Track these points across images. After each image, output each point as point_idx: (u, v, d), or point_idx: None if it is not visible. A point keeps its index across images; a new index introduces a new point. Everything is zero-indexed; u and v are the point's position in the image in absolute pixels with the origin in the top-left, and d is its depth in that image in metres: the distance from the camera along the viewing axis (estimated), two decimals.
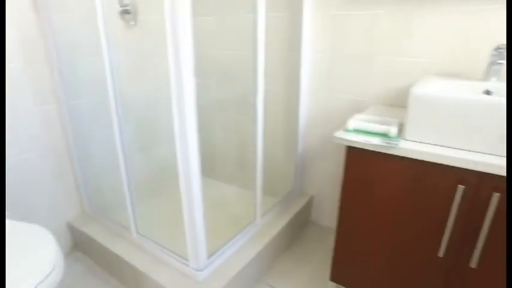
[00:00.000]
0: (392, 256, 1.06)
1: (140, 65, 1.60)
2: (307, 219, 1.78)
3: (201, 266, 1.16)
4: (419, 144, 0.91)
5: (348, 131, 1.02)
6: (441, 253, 0.95)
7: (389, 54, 1.30)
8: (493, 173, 0.80)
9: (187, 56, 0.88)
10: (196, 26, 1.80)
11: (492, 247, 0.87)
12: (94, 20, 1.09)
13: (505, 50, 0.99)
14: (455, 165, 0.85)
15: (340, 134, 1.00)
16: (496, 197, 0.81)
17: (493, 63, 1.02)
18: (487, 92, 1.02)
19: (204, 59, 1.78)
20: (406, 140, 0.94)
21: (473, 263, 0.90)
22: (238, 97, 1.74)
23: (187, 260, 1.18)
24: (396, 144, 0.91)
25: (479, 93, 1.02)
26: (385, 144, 0.92)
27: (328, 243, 1.63)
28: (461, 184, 0.86)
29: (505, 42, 1.07)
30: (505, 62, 1.00)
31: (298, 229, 1.68)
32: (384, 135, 0.96)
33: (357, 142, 0.97)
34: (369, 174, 1.01)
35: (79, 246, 1.57)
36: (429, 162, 0.89)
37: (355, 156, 1.01)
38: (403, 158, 0.93)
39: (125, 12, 1.47)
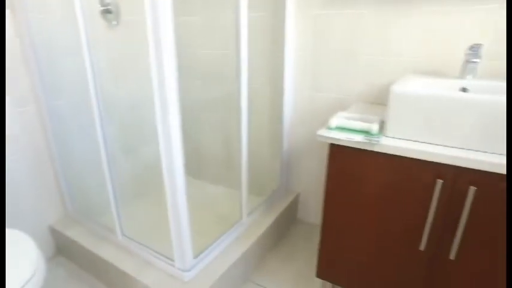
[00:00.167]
0: (376, 251, 1.08)
1: (124, 65, 1.58)
2: (294, 217, 1.80)
3: (188, 267, 1.16)
4: (399, 141, 0.93)
5: (330, 128, 1.03)
6: (422, 246, 0.97)
7: (370, 53, 1.32)
8: (469, 167, 0.83)
9: (169, 56, 0.88)
10: (180, 26, 1.79)
11: (469, 239, 0.90)
12: (74, 19, 1.07)
13: (479, 49, 1.03)
14: (434, 160, 0.87)
15: (323, 132, 1.01)
16: (472, 191, 0.84)
17: (468, 61, 1.05)
18: (464, 90, 1.06)
19: (188, 59, 1.77)
20: (387, 136, 0.96)
21: (452, 255, 0.93)
22: (223, 96, 1.74)
23: (173, 261, 1.17)
24: (377, 141, 0.93)
25: (455, 91, 1.05)
26: (367, 141, 0.94)
27: (315, 240, 1.65)
28: (440, 179, 0.88)
29: (478, 41, 1.11)
30: (479, 60, 1.04)
31: (284, 227, 1.69)
32: (366, 132, 0.98)
33: (339, 139, 0.99)
34: (351, 170, 1.02)
35: (62, 251, 1.53)
36: (409, 158, 0.91)
37: (338, 153, 1.03)
38: (384, 154, 0.95)
39: (106, 11, 1.45)
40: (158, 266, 1.23)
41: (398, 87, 0.93)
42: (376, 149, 0.95)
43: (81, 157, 1.48)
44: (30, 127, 1.34)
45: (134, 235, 1.33)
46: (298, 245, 1.62)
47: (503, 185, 0.81)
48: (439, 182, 0.88)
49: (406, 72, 1.27)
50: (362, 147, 0.97)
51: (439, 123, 0.89)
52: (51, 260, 1.52)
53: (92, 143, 1.25)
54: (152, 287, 1.15)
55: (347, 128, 1.03)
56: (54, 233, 1.50)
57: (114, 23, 1.49)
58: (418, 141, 0.92)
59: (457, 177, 0.87)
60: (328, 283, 1.28)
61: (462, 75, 1.08)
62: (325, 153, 1.60)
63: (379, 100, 1.36)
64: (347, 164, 1.02)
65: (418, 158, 0.89)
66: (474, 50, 1.03)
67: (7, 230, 0.98)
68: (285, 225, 1.70)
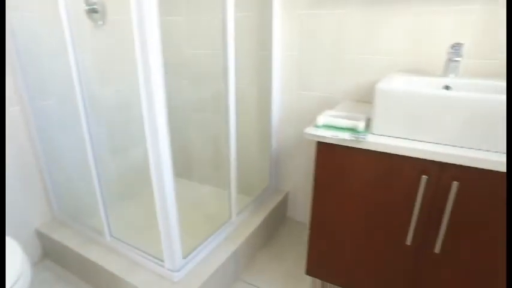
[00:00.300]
0: (364, 247, 1.10)
1: (111, 65, 1.56)
2: (283, 216, 1.81)
3: (177, 267, 1.16)
4: (385, 138, 0.95)
5: (317, 126, 1.05)
6: (409, 241, 0.99)
7: (357, 52, 1.34)
8: (452, 162, 0.85)
9: (155, 55, 0.88)
10: (167, 26, 1.79)
11: (453, 233, 0.93)
12: (58, 18, 1.06)
13: (460, 48, 1.05)
14: (419, 156, 0.89)
15: (310, 130, 1.02)
16: (455, 185, 0.86)
17: (450, 60, 1.08)
18: (446, 88, 1.08)
19: (176, 59, 1.77)
20: (373, 134, 0.98)
21: (437, 249, 0.95)
22: (211, 96, 1.74)
23: (162, 261, 1.17)
24: (364, 139, 0.95)
25: (439, 89, 1.08)
26: (353, 139, 0.96)
27: (305, 238, 1.66)
28: (425, 174, 0.90)
29: (459, 40, 1.13)
30: (460, 59, 1.07)
31: (274, 226, 1.70)
32: (352, 130, 1.00)
33: (325, 137, 1.00)
34: (338, 168, 1.04)
35: (49, 254, 1.51)
36: (395, 154, 0.93)
37: (325, 151, 1.04)
38: (370, 151, 0.96)
39: (92, 11, 1.44)
40: (147, 266, 1.22)
41: (383, 85, 0.95)
42: (362, 146, 0.96)
43: (67, 158, 1.46)
44: (14, 129, 1.32)
45: (123, 236, 1.32)
46: (288, 243, 1.63)
47: (486, 181, 0.84)
48: (424, 177, 0.90)
49: (391, 70, 1.29)
50: (348, 145, 0.98)
51: (423, 121, 0.91)
52: (38, 264, 1.49)
53: (79, 144, 1.23)
54: None
55: (334, 126, 1.04)
56: (41, 236, 1.48)
57: (100, 22, 1.48)
58: (403, 138, 0.94)
59: (441, 172, 0.89)
60: (318, 280, 1.30)
61: (445, 73, 1.10)
62: (313, 151, 1.61)
63: (366, 98, 1.38)
64: (334, 162, 1.04)
65: (403, 154, 0.91)
66: (456, 49, 1.06)
67: None
68: (275, 224, 1.71)
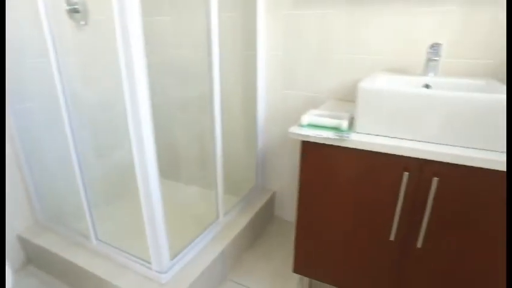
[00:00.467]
0: (350, 243, 1.12)
1: (94, 66, 1.54)
2: (271, 215, 1.82)
3: (164, 268, 1.15)
4: (368, 136, 0.97)
5: (302, 126, 1.06)
6: (392, 237, 1.02)
7: (341, 52, 1.36)
8: (432, 159, 0.88)
9: (138, 55, 0.87)
10: (152, 26, 1.77)
11: (434, 227, 0.95)
12: (38, 19, 1.04)
13: (439, 48, 1.09)
14: (400, 153, 0.91)
15: (295, 129, 1.04)
16: (435, 181, 0.89)
17: (429, 59, 1.11)
18: (426, 86, 1.11)
19: (161, 59, 1.75)
20: (357, 132, 1.00)
21: (420, 243, 0.98)
22: (197, 96, 1.73)
23: (149, 263, 1.16)
24: (347, 137, 0.97)
25: (419, 87, 1.11)
26: (337, 137, 0.97)
27: (292, 237, 1.66)
28: (406, 171, 0.93)
29: (438, 41, 1.17)
30: (438, 58, 1.10)
31: (262, 225, 1.71)
32: (336, 128, 1.01)
33: (309, 136, 1.01)
34: (323, 166, 1.05)
35: (33, 260, 1.48)
36: (378, 152, 0.95)
37: (310, 150, 1.05)
38: (354, 149, 0.98)
39: (73, 11, 1.41)
40: (135, 269, 1.21)
41: (365, 84, 0.97)
42: (346, 144, 0.98)
43: (51, 161, 1.43)
44: None
45: (109, 239, 1.30)
46: (275, 242, 1.64)
47: (464, 176, 0.86)
48: (406, 174, 0.93)
49: (375, 69, 1.31)
50: (332, 143, 1.00)
51: (404, 119, 0.93)
52: (21, 271, 1.46)
53: (62, 146, 1.21)
54: None
55: (318, 125, 1.06)
56: (23, 242, 1.44)
57: (82, 22, 1.45)
58: (385, 136, 0.96)
59: (422, 169, 0.91)
60: (306, 278, 1.31)
61: (425, 72, 1.13)
62: (299, 150, 1.63)
63: (350, 97, 1.40)
64: (319, 160, 1.05)
65: (385, 152, 0.93)
66: (434, 48, 1.09)
67: None
68: (262, 223, 1.71)
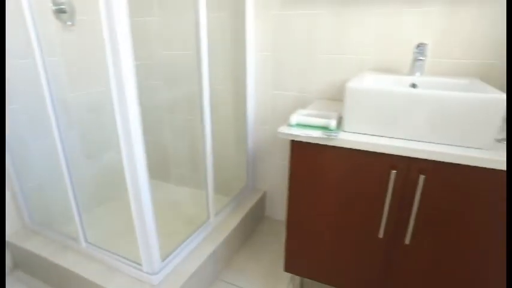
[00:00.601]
0: (339, 242, 1.13)
1: (82, 67, 1.52)
2: (262, 215, 1.83)
3: (156, 270, 1.15)
4: (356, 135, 0.98)
5: (291, 125, 1.07)
6: (381, 234, 1.03)
7: (329, 52, 1.38)
8: (419, 157, 0.90)
9: (126, 56, 0.86)
10: (141, 27, 1.76)
11: (421, 224, 0.97)
12: (22, 19, 1.02)
13: (424, 48, 1.11)
14: (388, 152, 0.93)
15: (284, 129, 1.04)
16: (422, 179, 0.91)
17: (415, 59, 1.13)
18: (413, 85, 1.13)
19: (150, 60, 1.74)
20: (345, 131, 1.01)
21: (407, 240, 0.99)
22: (187, 97, 1.73)
23: (140, 265, 1.15)
24: (336, 136, 0.98)
25: (406, 86, 1.13)
26: (326, 137, 0.98)
27: (283, 236, 1.68)
28: (394, 169, 0.94)
29: (423, 40, 1.19)
30: (424, 58, 1.12)
31: (252, 225, 1.71)
32: (325, 128, 1.03)
33: (298, 136, 1.02)
34: (312, 165, 1.06)
35: (20, 265, 1.45)
36: (366, 151, 0.96)
37: (299, 149, 1.06)
38: (342, 148, 0.99)
39: (60, 11, 1.39)
40: (125, 271, 1.20)
41: (353, 84, 0.98)
42: (334, 143, 0.99)
43: (38, 163, 1.41)
44: None
45: (99, 241, 1.29)
46: (266, 241, 1.65)
47: (449, 173, 0.88)
48: (393, 172, 0.94)
49: (362, 69, 1.33)
50: (321, 143, 1.01)
51: (392, 117, 0.94)
52: (8, 276, 1.43)
53: (50, 149, 1.19)
54: None
55: (307, 124, 1.06)
56: (11, 247, 1.42)
57: (69, 23, 1.44)
58: (373, 135, 0.98)
59: (409, 167, 0.93)
60: (297, 276, 1.32)
61: (411, 72, 1.15)
62: (288, 150, 1.64)
63: (338, 97, 1.41)
64: (308, 159, 1.06)
65: (373, 150, 0.95)
66: (420, 48, 1.11)
67: None
68: (253, 223, 1.72)
